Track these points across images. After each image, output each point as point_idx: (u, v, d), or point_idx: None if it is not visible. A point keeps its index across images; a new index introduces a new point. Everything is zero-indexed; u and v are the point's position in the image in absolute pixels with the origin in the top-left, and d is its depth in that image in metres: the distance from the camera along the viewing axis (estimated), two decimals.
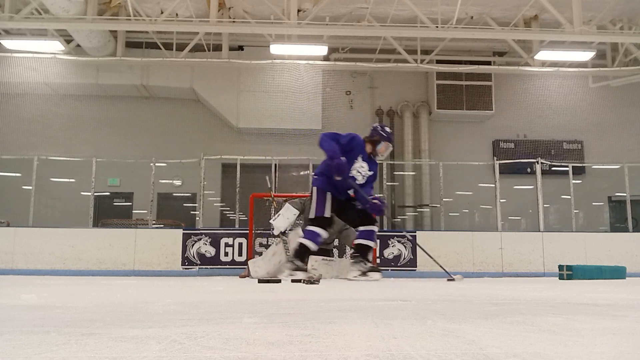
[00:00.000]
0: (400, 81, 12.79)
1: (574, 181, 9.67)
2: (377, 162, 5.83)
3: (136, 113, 12.59)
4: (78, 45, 10.72)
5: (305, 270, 5.45)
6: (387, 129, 5.78)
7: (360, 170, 5.53)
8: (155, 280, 6.13)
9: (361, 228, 5.66)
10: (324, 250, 6.37)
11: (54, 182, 11.56)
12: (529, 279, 7.15)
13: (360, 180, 5.55)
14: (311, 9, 10.26)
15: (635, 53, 11.22)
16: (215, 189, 11.98)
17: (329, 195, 5.56)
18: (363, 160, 5.57)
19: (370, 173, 5.64)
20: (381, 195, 10.99)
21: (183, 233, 8.37)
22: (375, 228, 5.67)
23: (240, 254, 8.21)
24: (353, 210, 5.68)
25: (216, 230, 8.79)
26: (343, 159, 5.25)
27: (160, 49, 11.03)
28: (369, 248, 5.66)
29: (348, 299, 2.79)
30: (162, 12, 10.25)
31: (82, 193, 10.04)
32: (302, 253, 5.47)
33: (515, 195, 11.60)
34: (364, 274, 5.50)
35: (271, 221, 6.22)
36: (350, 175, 5.46)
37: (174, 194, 12.51)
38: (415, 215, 12.51)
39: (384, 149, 5.68)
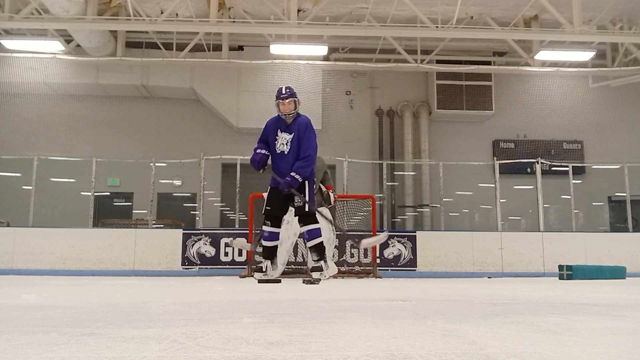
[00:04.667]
0: (400, 81, 12.78)
1: (574, 181, 9.67)
2: (303, 121, 5.79)
3: (136, 113, 12.59)
4: (78, 45, 10.72)
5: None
6: (282, 87, 5.79)
7: (282, 142, 5.69)
8: (155, 280, 6.13)
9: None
10: None
11: (54, 182, 11.55)
12: (529, 279, 7.15)
13: (286, 148, 5.63)
14: (311, 9, 10.26)
15: (635, 53, 11.21)
16: (215, 189, 11.98)
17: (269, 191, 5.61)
18: (282, 132, 5.72)
19: (291, 136, 5.68)
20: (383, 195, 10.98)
21: (183, 233, 8.37)
22: (308, 227, 5.48)
23: (240, 254, 8.21)
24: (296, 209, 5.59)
25: (216, 230, 8.79)
26: (263, 151, 5.61)
27: (160, 49, 11.03)
28: (312, 248, 5.52)
29: (348, 299, 2.79)
30: (162, 12, 10.25)
31: (82, 193, 10.03)
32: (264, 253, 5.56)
33: (515, 195, 11.59)
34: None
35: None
36: (280, 151, 5.61)
37: (174, 194, 12.50)
38: (415, 215, 12.51)
39: (281, 107, 5.75)
